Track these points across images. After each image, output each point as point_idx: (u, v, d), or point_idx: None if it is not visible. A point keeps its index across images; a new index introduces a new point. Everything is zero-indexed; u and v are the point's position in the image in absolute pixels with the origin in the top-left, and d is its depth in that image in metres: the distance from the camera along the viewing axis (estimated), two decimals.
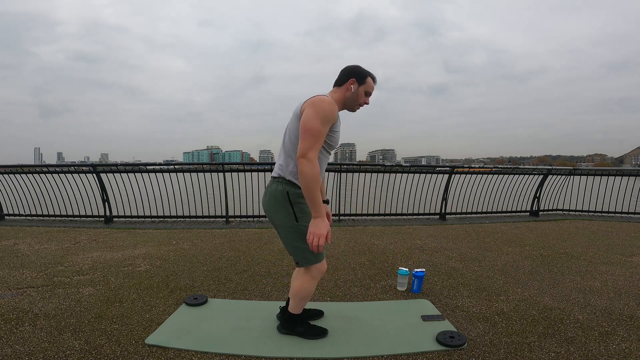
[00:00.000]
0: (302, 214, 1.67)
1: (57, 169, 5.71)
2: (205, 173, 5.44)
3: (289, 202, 1.66)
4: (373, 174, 5.62)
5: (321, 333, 1.90)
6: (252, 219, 5.28)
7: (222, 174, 5.19)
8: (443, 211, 5.57)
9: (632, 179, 6.18)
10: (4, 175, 5.32)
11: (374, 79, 1.77)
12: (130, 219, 5.25)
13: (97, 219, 5.21)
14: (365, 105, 1.80)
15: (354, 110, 1.79)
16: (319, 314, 2.13)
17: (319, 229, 1.56)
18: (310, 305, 2.20)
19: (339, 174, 5.37)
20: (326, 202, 1.89)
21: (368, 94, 1.77)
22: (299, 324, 1.91)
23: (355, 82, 1.72)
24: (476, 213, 5.87)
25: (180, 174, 5.33)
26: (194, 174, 5.36)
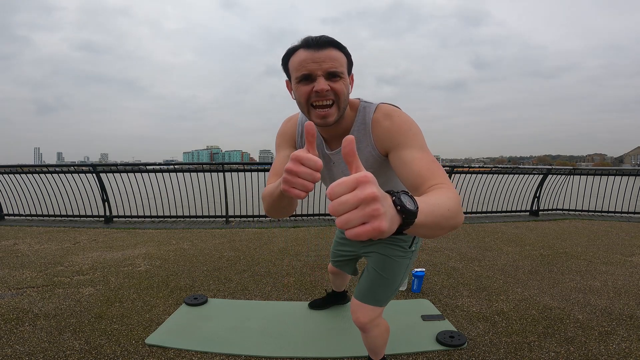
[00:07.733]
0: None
1: (57, 169, 5.70)
2: (205, 173, 5.44)
3: None
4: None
5: None
6: (252, 219, 5.28)
7: (222, 173, 5.19)
8: None
9: (632, 178, 6.17)
10: (4, 175, 5.32)
11: (300, 46, 0.92)
12: (130, 219, 5.24)
13: (97, 219, 5.21)
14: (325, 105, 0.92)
15: (318, 124, 0.96)
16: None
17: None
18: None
19: None
20: None
21: (301, 79, 0.92)
22: None
23: (287, 82, 1.01)
24: (476, 213, 5.87)
25: (180, 174, 5.33)
26: (193, 174, 5.37)
